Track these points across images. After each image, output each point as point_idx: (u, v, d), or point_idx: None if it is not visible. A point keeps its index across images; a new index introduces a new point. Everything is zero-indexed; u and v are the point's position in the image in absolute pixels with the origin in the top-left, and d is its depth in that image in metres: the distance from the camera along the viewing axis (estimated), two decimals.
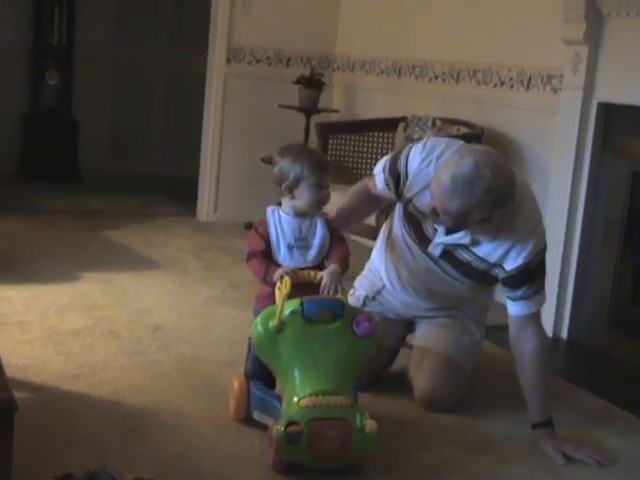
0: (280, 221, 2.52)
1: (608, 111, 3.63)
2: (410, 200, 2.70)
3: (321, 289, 2.43)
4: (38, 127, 6.60)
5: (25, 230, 4.91)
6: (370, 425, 2.25)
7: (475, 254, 2.61)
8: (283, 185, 2.50)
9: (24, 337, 3.15)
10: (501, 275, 2.60)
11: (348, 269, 2.53)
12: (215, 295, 3.93)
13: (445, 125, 4.27)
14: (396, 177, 2.71)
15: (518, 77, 4.21)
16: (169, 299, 3.81)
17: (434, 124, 4.28)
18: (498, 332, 3.05)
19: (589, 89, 3.63)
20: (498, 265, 2.58)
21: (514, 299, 2.59)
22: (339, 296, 2.43)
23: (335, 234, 2.57)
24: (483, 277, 2.69)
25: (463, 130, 4.20)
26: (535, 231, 2.57)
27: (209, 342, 3.28)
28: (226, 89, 5.48)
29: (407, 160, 2.66)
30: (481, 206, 2.40)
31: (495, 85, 4.38)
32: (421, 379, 2.78)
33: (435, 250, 2.68)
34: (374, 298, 2.92)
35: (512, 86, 4.26)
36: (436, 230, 2.65)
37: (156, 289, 3.95)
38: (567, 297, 3.76)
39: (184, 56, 6.94)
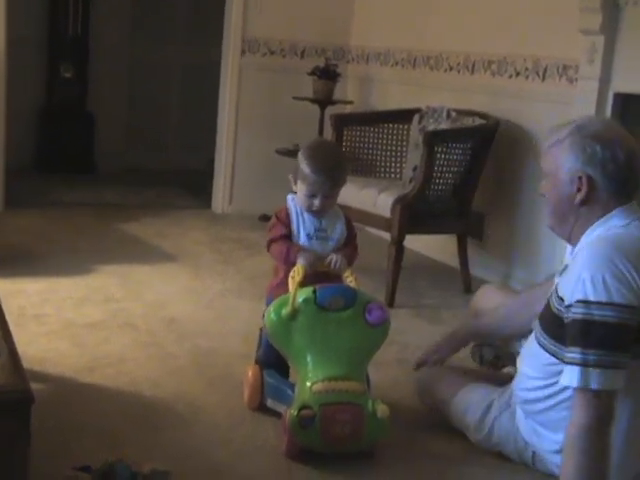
0: (301, 210, 2.54)
1: (624, 101, 3.61)
2: None
3: (327, 260, 2.47)
4: (54, 120, 6.62)
5: (41, 223, 4.93)
6: (382, 410, 2.26)
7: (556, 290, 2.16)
8: (291, 175, 2.55)
9: (41, 329, 3.17)
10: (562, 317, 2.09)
11: (351, 265, 2.54)
12: (230, 288, 3.93)
13: (460, 116, 4.25)
14: None
15: (534, 68, 4.19)
16: (184, 292, 3.82)
17: (449, 115, 4.26)
18: None
19: (605, 79, 3.61)
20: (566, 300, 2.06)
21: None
22: (350, 278, 2.45)
23: (351, 236, 2.59)
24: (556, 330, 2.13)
25: (478, 121, 4.18)
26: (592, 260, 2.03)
27: (224, 334, 3.29)
28: (241, 81, 5.48)
29: None
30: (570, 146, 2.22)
31: (510, 76, 4.35)
32: None
33: None
34: None
35: (527, 77, 4.23)
36: None
37: (171, 282, 3.96)
38: None
39: (199, 48, 6.93)
